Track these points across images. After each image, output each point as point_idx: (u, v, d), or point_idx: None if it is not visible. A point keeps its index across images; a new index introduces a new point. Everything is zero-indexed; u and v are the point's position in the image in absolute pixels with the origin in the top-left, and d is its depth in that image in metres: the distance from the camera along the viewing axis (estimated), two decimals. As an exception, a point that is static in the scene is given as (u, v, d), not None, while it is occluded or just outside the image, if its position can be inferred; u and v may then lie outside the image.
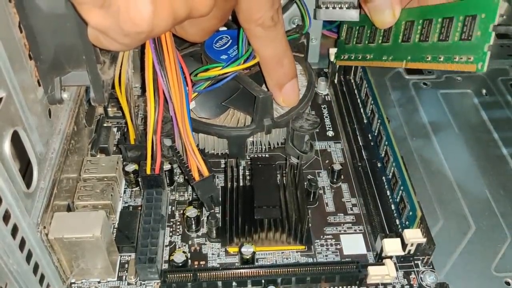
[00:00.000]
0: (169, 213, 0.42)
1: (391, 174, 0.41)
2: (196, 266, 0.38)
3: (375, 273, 0.35)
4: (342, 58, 0.50)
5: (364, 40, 0.46)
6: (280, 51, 0.40)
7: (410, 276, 0.37)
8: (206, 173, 0.38)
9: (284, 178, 0.42)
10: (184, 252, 0.36)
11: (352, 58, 0.49)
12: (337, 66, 0.52)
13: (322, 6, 0.49)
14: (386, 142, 0.42)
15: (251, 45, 0.40)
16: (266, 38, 0.39)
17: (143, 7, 0.27)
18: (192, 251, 0.39)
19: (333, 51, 0.51)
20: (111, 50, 0.34)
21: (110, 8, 0.27)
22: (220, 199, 0.41)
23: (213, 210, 0.41)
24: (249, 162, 0.45)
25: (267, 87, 0.43)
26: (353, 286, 0.36)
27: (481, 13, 0.35)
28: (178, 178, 0.44)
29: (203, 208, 0.42)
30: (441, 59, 0.39)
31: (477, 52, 0.36)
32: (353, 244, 0.40)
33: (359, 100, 0.50)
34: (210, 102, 0.44)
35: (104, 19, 0.27)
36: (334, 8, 0.48)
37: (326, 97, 0.54)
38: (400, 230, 0.39)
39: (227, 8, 0.35)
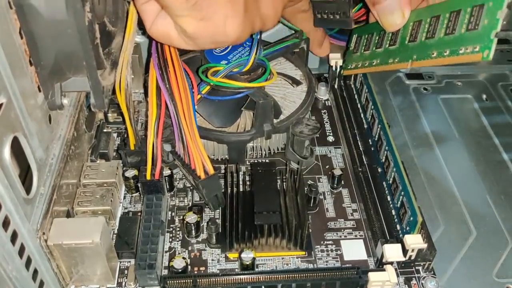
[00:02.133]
0: (169, 218, 0.41)
1: (391, 179, 0.41)
2: (196, 272, 0.38)
3: (375, 279, 0.35)
4: (349, 67, 0.50)
5: (372, 46, 0.46)
6: None
7: (411, 282, 0.37)
8: (211, 170, 0.38)
9: (284, 183, 0.42)
10: (184, 258, 0.36)
11: (359, 66, 0.48)
12: (337, 71, 0.52)
13: (316, 14, 0.49)
14: (387, 147, 0.42)
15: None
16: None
17: (236, 23, 0.34)
18: (192, 257, 0.39)
19: (333, 56, 0.52)
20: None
21: (209, 22, 0.33)
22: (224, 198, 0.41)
23: (218, 209, 0.41)
24: (249, 168, 0.45)
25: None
26: (353, 292, 0.36)
27: (488, 2, 0.35)
28: (178, 183, 0.44)
29: (203, 214, 0.42)
30: (447, 53, 0.39)
31: (484, 40, 0.36)
32: (354, 249, 0.39)
33: (359, 105, 0.50)
34: (222, 111, 0.44)
35: (201, 29, 0.34)
36: (327, 16, 0.48)
37: (326, 102, 0.54)
38: (400, 235, 0.38)
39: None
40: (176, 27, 0.35)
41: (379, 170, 0.43)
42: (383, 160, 0.43)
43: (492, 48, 0.36)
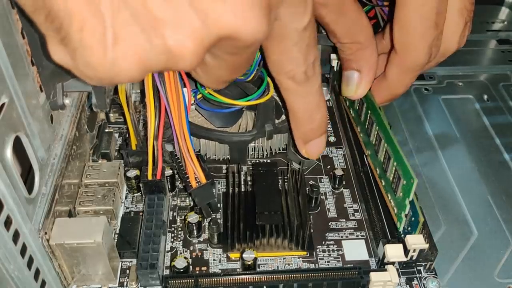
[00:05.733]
0: (171, 218, 0.41)
1: (393, 179, 0.41)
2: (197, 272, 0.38)
3: (377, 279, 0.35)
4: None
5: None
6: (312, 106, 0.35)
7: (413, 282, 0.37)
8: (203, 180, 0.38)
9: (286, 183, 0.42)
10: (185, 257, 0.36)
11: (346, 101, 0.48)
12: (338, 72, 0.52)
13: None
14: (388, 148, 0.42)
15: (282, 95, 0.34)
16: (297, 92, 0.33)
17: (99, 50, 0.22)
18: (194, 256, 0.39)
19: (334, 56, 0.51)
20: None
21: (69, 46, 0.22)
22: (218, 205, 0.41)
23: (211, 218, 0.40)
24: (250, 168, 0.45)
25: (292, 138, 0.39)
26: (355, 292, 0.36)
27: (403, 179, 0.34)
28: (180, 183, 0.44)
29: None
30: (383, 184, 0.38)
31: (399, 211, 0.35)
32: (355, 250, 0.39)
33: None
34: (223, 112, 0.44)
35: (64, 56, 0.23)
36: None
37: (327, 102, 0.54)
38: (402, 235, 0.38)
39: (238, 61, 0.28)
40: None
41: (381, 170, 0.43)
42: (385, 160, 0.43)
43: (402, 223, 0.35)
